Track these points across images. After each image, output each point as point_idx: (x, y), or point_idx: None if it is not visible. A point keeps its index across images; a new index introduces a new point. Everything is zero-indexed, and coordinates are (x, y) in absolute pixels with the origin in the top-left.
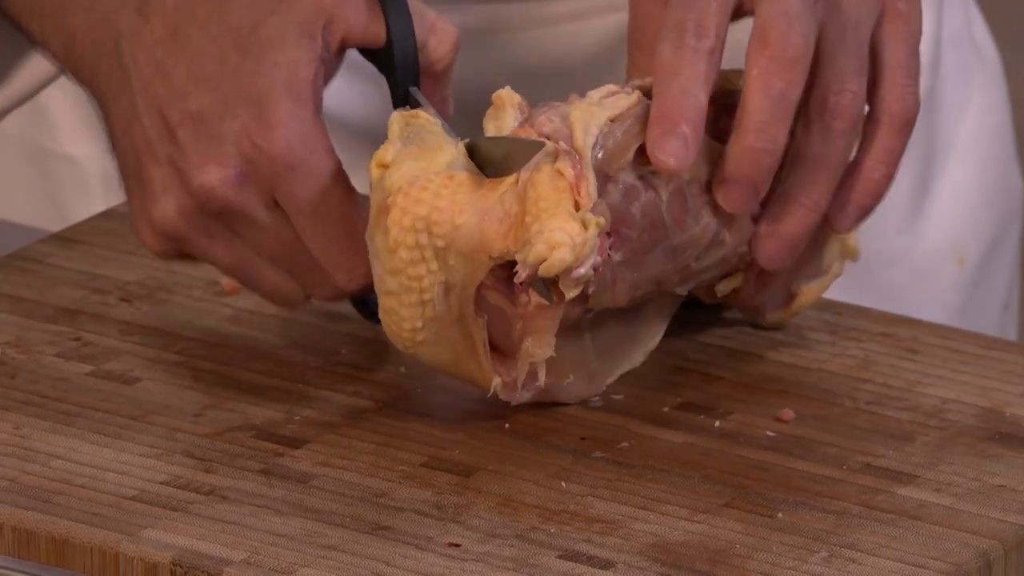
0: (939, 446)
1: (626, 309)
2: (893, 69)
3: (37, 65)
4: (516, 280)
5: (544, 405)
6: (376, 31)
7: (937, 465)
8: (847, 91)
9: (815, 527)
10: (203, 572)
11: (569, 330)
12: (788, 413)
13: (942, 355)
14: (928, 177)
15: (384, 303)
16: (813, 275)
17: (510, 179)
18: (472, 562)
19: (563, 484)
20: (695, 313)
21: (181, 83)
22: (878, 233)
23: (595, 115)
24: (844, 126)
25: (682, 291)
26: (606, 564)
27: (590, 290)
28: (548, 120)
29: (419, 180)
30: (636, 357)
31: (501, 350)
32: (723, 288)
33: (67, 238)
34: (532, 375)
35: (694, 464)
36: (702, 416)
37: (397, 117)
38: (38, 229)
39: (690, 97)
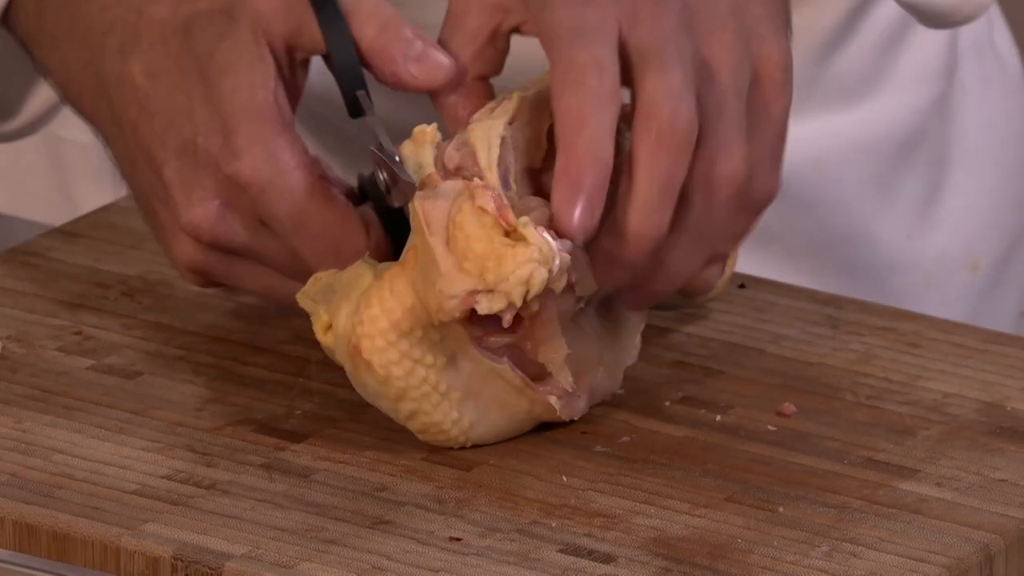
0: (940, 440)
1: (607, 295)
2: (763, 154)
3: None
4: (505, 325)
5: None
6: (311, 38)
7: (938, 459)
8: (733, 161)
9: (816, 521)
10: (204, 566)
11: (571, 325)
12: (789, 407)
13: (943, 349)
14: (940, 182)
15: (413, 427)
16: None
17: (411, 245)
18: (473, 556)
19: (564, 478)
20: (695, 308)
21: (161, 122)
22: (887, 238)
23: (493, 127)
24: (729, 194)
25: None
26: (607, 558)
27: (573, 277)
28: (454, 152)
29: (358, 308)
30: (635, 341)
31: (535, 376)
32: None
33: (69, 232)
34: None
35: (695, 458)
36: (703, 410)
37: (301, 297)
38: (40, 223)
39: (597, 152)
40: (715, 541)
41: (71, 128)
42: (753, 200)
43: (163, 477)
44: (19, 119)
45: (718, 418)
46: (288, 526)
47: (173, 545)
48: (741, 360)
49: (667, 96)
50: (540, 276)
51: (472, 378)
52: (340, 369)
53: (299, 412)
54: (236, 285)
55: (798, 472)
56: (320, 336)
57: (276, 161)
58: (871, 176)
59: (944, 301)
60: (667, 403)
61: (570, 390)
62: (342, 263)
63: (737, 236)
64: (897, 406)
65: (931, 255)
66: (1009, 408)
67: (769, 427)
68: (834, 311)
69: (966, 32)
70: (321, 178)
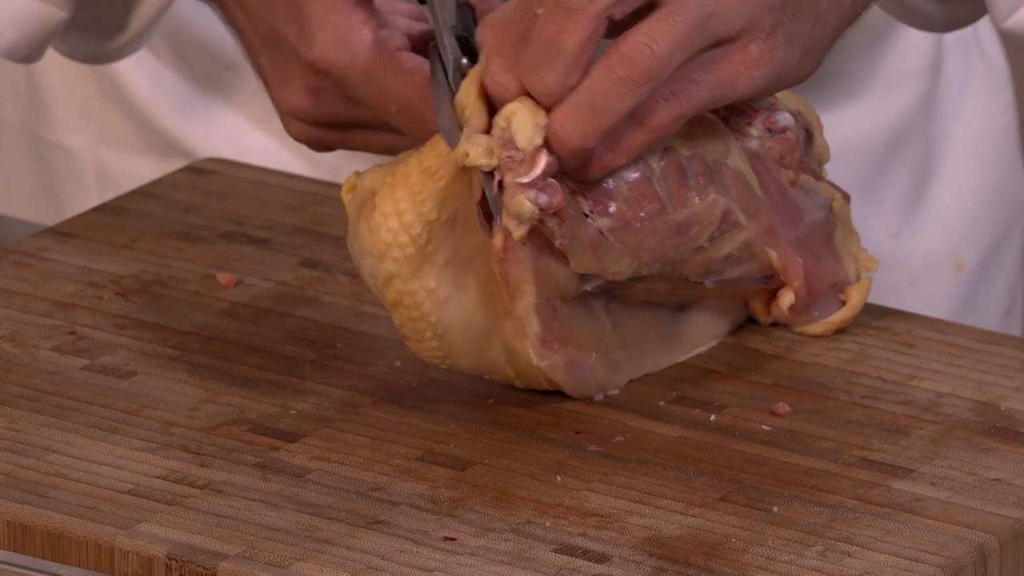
0: (934, 440)
1: (662, 304)
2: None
3: None
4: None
5: (538, 399)
6: None
7: (932, 459)
8: (648, 47)
9: (810, 521)
10: (198, 566)
11: (579, 305)
12: (783, 407)
13: (937, 349)
14: (925, 180)
15: (389, 297)
16: (844, 284)
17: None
18: (467, 556)
19: (558, 478)
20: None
21: (252, 10)
22: (872, 236)
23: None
24: (629, 74)
25: (709, 282)
26: (601, 558)
27: (557, 240)
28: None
29: (392, 167)
30: (674, 356)
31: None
32: (782, 303)
33: (62, 232)
34: (556, 338)
35: (689, 458)
36: (697, 410)
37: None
38: (33, 223)
39: (564, 82)
40: (709, 541)
41: (56, 132)
42: (642, 122)
43: (157, 477)
44: (128, 32)
45: (712, 418)
46: (282, 526)
47: (167, 545)
48: (735, 360)
49: (651, 49)
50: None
51: (461, 244)
52: (334, 370)
53: (293, 412)
54: (357, 149)
55: (792, 472)
56: (343, 193)
57: (348, 44)
58: (857, 175)
59: (930, 299)
60: (661, 403)
61: (539, 362)
62: (428, 134)
63: (627, 151)
64: (891, 406)
65: (917, 254)
66: (1003, 408)
67: (763, 427)
68: None
69: None
70: (396, 53)
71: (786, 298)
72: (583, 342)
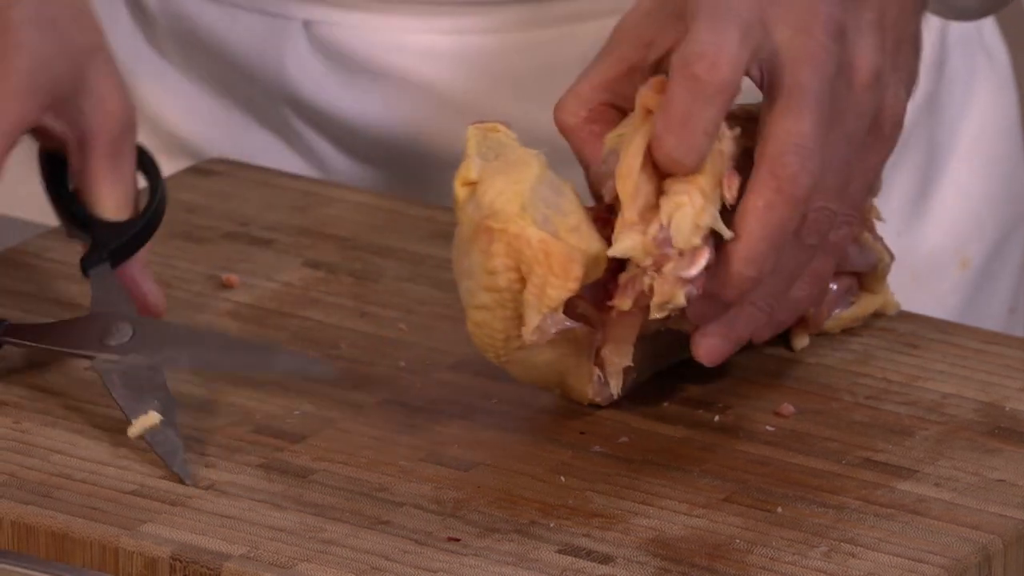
0: (938, 441)
1: None
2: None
3: None
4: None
5: (542, 399)
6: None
7: (936, 460)
8: (827, 208)
9: (814, 522)
10: (202, 566)
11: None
12: (787, 408)
13: (941, 350)
14: (929, 178)
15: (475, 316)
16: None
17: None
18: (471, 556)
19: (562, 479)
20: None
21: None
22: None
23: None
24: (814, 241)
25: None
26: (606, 558)
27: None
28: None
29: (514, 198)
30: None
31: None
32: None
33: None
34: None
35: (693, 459)
36: (701, 411)
37: (474, 131)
38: (37, 224)
39: (692, 154)
40: (713, 541)
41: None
42: (825, 244)
43: (161, 477)
44: None
45: (716, 418)
46: (286, 526)
47: (171, 545)
48: (739, 360)
49: (796, 150)
50: (693, 214)
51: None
52: (338, 370)
53: (297, 412)
54: None
55: (796, 472)
56: (458, 184)
57: None
58: None
59: (934, 298)
60: (665, 403)
61: (615, 395)
62: None
63: (814, 280)
64: (895, 406)
65: (921, 252)
66: (1007, 408)
67: (767, 427)
68: None
69: (955, 27)
70: None
71: (799, 341)
72: (638, 363)
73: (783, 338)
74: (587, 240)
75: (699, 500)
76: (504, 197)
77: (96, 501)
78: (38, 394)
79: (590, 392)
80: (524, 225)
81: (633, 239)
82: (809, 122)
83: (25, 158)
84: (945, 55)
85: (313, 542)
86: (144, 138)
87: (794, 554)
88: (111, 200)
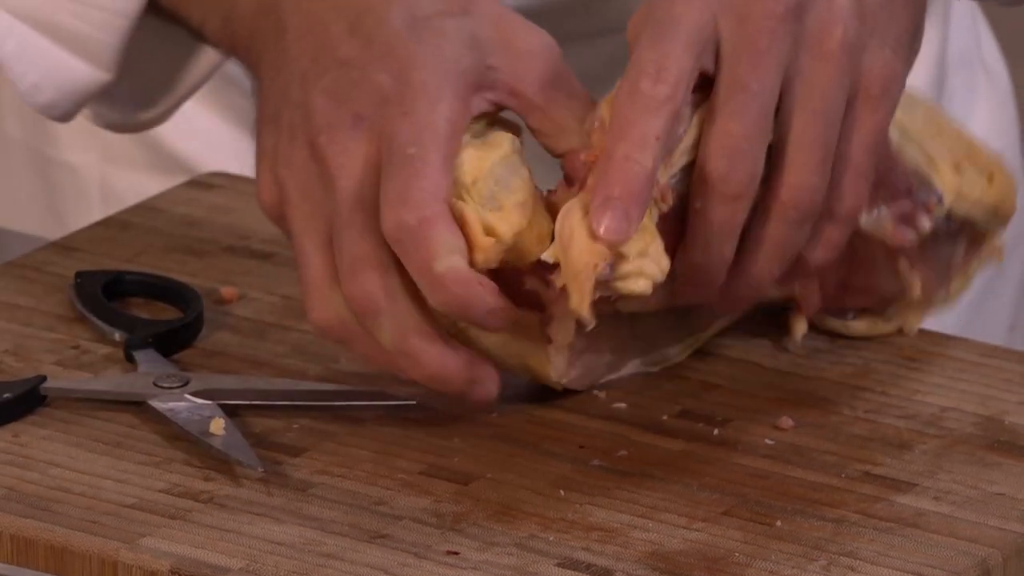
0: (938, 454)
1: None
2: (847, 166)
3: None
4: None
5: (542, 413)
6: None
7: (936, 473)
8: (805, 185)
9: (814, 535)
10: None
11: (607, 315)
12: (787, 421)
13: (941, 363)
14: None
15: None
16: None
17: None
18: (470, 570)
19: (562, 492)
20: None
21: (336, 33)
22: None
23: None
24: (797, 216)
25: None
26: (605, 572)
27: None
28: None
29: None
30: (681, 339)
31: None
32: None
33: (65, 246)
34: (575, 354)
35: (693, 472)
36: (700, 424)
37: (481, 117)
38: (37, 237)
39: (634, 164)
40: (713, 555)
41: (60, 149)
42: (834, 213)
43: (161, 491)
44: (158, 108)
45: (716, 432)
46: (286, 540)
47: (171, 559)
48: (738, 374)
49: (726, 150)
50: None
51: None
52: (337, 383)
53: (296, 426)
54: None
55: (796, 486)
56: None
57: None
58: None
59: (934, 317)
60: (665, 417)
61: (558, 379)
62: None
63: (827, 247)
64: (895, 420)
65: None
66: (1007, 422)
67: (767, 441)
68: None
69: (954, 45)
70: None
71: (799, 327)
72: (600, 346)
73: (784, 328)
74: (531, 215)
75: (698, 513)
76: (462, 169)
77: (95, 515)
78: (36, 407)
79: (553, 374)
80: (457, 197)
81: (662, 265)
82: (741, 123)
83: (29, 174)
84: (944, 73)
85: (312, 556)
86: (143, 155)
87: (793, 567)
88: (559, 128)
